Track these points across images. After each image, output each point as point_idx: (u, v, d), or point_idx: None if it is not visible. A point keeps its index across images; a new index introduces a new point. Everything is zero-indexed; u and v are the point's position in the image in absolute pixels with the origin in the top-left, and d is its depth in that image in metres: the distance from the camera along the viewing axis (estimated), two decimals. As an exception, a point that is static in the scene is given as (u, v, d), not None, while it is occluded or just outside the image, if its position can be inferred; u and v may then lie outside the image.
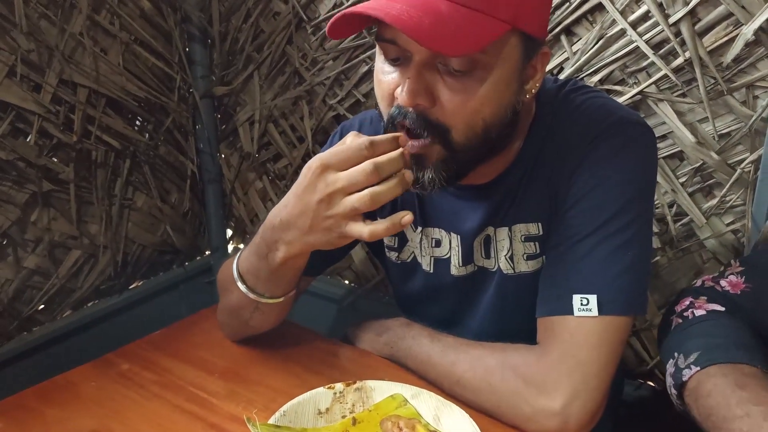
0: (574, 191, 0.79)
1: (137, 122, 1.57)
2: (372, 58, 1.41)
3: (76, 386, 0.87)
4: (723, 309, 0.81)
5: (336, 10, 1.42)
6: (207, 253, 1.87)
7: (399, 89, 0.70)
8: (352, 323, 1.01)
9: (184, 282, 1.78)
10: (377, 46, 0.74)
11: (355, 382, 0.80)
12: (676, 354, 0.78)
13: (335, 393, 0.79)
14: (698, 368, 0.73)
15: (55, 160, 1.37)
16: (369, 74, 1.44)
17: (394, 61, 0.72)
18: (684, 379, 0.74)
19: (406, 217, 0.68)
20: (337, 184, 0.68)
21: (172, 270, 1.77)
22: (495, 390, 0.77)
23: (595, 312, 0.74)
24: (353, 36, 1.42)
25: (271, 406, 0.76)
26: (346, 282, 1.70)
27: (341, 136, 0.94)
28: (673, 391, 0.77)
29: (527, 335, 0.80)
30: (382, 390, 0.80)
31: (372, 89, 1.44)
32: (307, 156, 1.60)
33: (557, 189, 0.81)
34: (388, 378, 0.83)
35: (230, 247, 1.90)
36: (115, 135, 1.48)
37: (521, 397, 0.75)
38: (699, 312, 0.82)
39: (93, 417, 0.81)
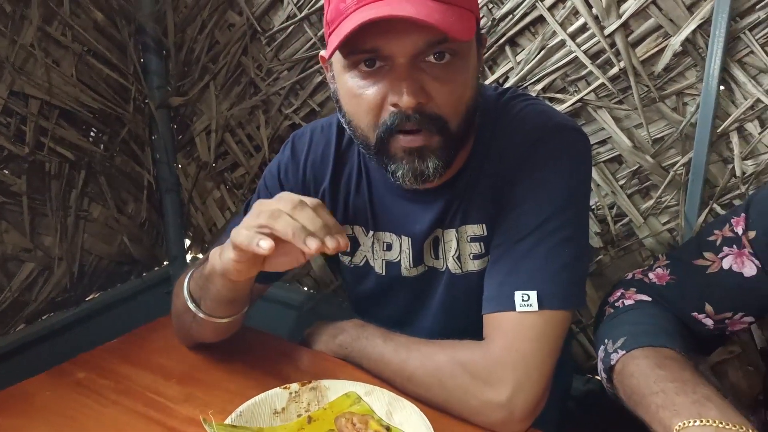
0: (515, 194, 0.83)
1: (92, 133, 1.57)
2: (326, 68, 1.44)
3: (32, 396, 0.87)
4: (650, 299, 0.87)
5: (290, 22, 1.45)
6: (165, 263, 1.87)
7: (392, 96, 0.73)
8: (308, 327, 1.04)
9: (142, 293, 1.77)
10: (340, 64, 0.77)
11: (310, 382, 0.83)
12: (606, 340, 0.83)
13: (291, 393, 0.81)
14: (624, 352, 0.78)
15: (6, 172, 1.36)
16: (323, 84, 1.47)
17: (368, 72, 0.75)
18: (612, 362, 0.79)
19: (263, 243, 0.69)
20: (272, 206, 0.72)
21: (129, 281, 1.76)
22: (444, 385, 0.81)
23: (535, 307, 0.78)
24: (307, 47, 1.45)
25: (228, 408, 0.77)
26: (305, 288, 1.72)
27: (292, 146, 0.98)
28: (603, 374, 0.82)
29: (476, 331, 0.84)
30: (336, 389, 0.82)
31: (327, 98, 1.47)
32: (264, 164, 1.62)
33: (500, 191, 0.85)
34: (342, 377, 0.86)
35: (189, 257, 1.90)
36: (70, 146, 1.48)
37: (469, 392, 0.79)
38: (628, 302, 0.88)
39: (49, 425, 0.81)
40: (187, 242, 1.89)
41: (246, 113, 1.61)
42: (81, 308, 1.60)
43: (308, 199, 0.72)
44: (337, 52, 0.75)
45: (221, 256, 0.77)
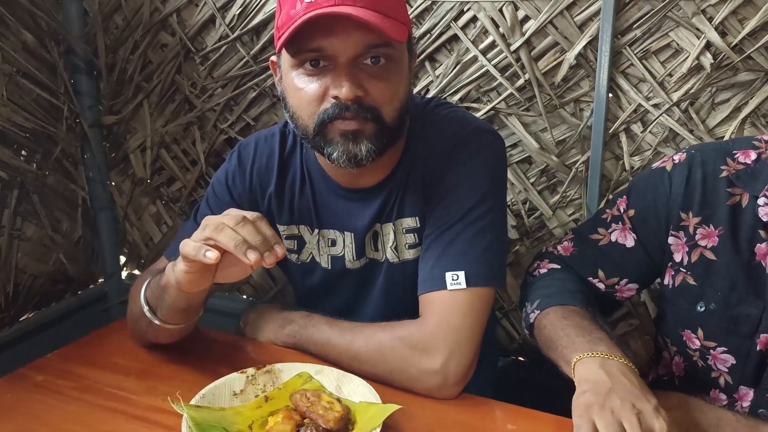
0: (442, 189, 0.95)
1: (24, 152, 1.57)
2: (259, 84, 1.53)
3: (-8, 399, 0.89)
4: (559, 267, 1.02)
5: (223, 42, 1.53)
6: (101, 280, 1.87)
7: (333, 89, 0.83)
8: (246, 315, 1.10)
9: (78, 311, 1.77)
10: (288, 64, 0.86)
11: (265, 366, 0.90)
12: (526, 303, 0.98)
13: (248, 376, 0.88)
14: (539, 311, 0.93)
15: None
16: (257, 99, 1.55)
17: (312, 70, 0.85)
18: (531, 321, 0.95)
19: (209, 254, 0.76)
20: (217, 220, 0.79)
21: (65, 299, 1.75)
22: (386, 359, 0.90)
23: (464, 285, 0.89)
24: (240, 65, 1.54)
25: (189, 396, 0.82)
26: (245, 297, 1.78)
27: (239, 155, 1.06)
28: (526, 330, 0.98)
29: (413, 313, 0.93)
30: (289, 370, 0.90)
31: (261, 112, 1.56)
32: (201, 178, 1.68)
33: (429, 187, 0.96)
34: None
35: (124, 273, 1.91)
36: (1, 165, 1.49)
37: (408, 362, 0.89)
38: (542, 270, 1.02)
39: (13, 422, 0.84)
40: (123, 259, 1.90)
41: (181, 129, 1.66)
42: (15, 328, 1.59)
43: (250, 214, 0.80)
44: (287, 54, 0.85)
45: (174, 269, 0.83)
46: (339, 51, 0.83)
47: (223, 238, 0.76)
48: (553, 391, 0.83)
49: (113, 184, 1.81)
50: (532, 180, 1.36)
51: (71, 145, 1.69)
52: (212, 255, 0.76)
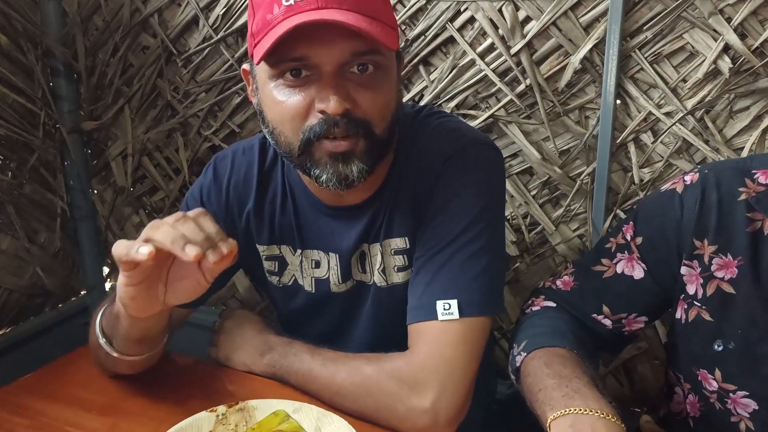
0: (433, 207, 0.87)
1: (-2, 160, 1.50)
2: (244, 89, 1.45)
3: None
4: (554, 305, 0.93)
5: (206, 44, 1.45)
6: (82, 293, 1.80)
7: (319, 103, 0.75)
8: (222, 322, 1.02)
9: (58, 325, 1.70)
10: (265, 74, 0.77)
11: (237, 403, 0.82)
12: (514, 345, 0.89)
13: (218, 415, 0.81)
14: (525, 354, 0.84)
15: None
16: (242, 105, 1.47)
17: (294, 81, 0.76)
18: (517, 364, 0.85)
19: (142, 248, 0.68)
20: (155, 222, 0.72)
21: (44, 313, 1.68)
22: (372, 394, 0.82)
23: (456, 315, 0.81)
24: (224, 68, 1.45)
25: None
26: (232, 311, 1.70)
27: (214, 169, 0.98)
28: (512, 376, 0.88)
29: (403, 340, 0.86)
30: (264, 408, 0.82)
31: (247, 119, 1.47)
32: (184, 187, 1.60)
33: (419, 205, 0.88)
34: (269, 396, 0.85)
35: (107, 285, 1.83)
36: (-27, 175, 1.42)
37: (396, 398, 0.81)
38: (535, 308, 0.94)
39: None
40: (106, 270, 1.83)
41: (163, 136, 1.58)
42: (-10, 345, 1.52)
43: (192, 211, 0.72)
44: (263, 63, 0.76)
45: (118, 288, 0.75)
46: (324, 60, 0.74)
47: (159, 235, 0.68)
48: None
49: (95, 192, 1.74)
50: (533, 193, 1.27)
51: (49, 153, 1.61)
52: (145, 250, 0.67)
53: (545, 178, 1.25)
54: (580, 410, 0.68)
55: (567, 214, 1.26)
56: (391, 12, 0.81)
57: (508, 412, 1.31)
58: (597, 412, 0.68)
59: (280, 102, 0.78)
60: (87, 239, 1.75)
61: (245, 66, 0.86)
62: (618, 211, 1.21)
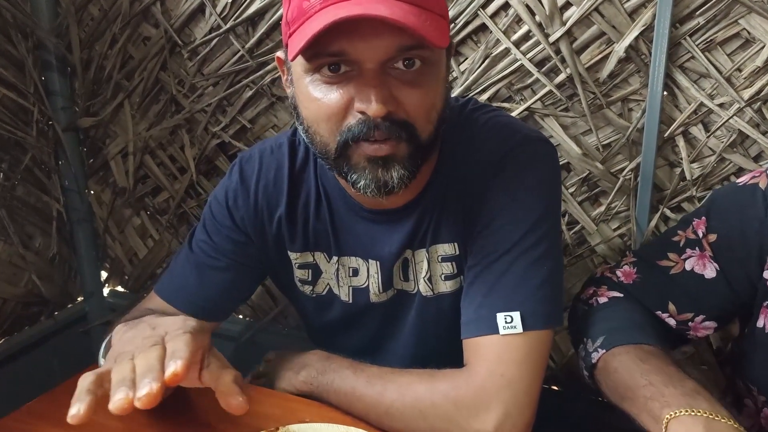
0: (487, 210, 0.79)
1: (-11, 161, 1.40)
2: (255, 82, 1.36)
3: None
4: (622, 295, 0.87)
5: (213, 34, 1.35)
6: (80, 299, 1.69)
7: (359, 103, 0.67)
8: (266, 359, 0.95)
9: (56, 334, 1.60)
10: (301, 68, 0.70)
11: (277, 429, 0.75)
12: (585, 339, 0.82)
13: (258, 445, 0.73)
14: (604, 350, 0.78)
15: None
16: (254, 99, 1.38)
17: (332, 77, 0.68)
18: (593, 361, 0.79)
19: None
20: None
21: (40, 322, 1.58)
22: (426, 417, 0.75)
23: (519, 329, 0.74)
24: (234, 60, 1.36)
25: None
26: (241, 317, 1.61)
27: (240, 170, 0.89)
28: (585, 372, 0.82)
29: (448, 355, 0.79)
30: (308, 434, 0.75)
31: (258, 113, 1.39)
32: (191, 187, 1.50)
33: (470, 208, 0.81)
34: (310, 419, 0.78)
35: (106, 291, 1.73)
36: (-37, 177, 1.31)
37: (453, 422, 0.73)
38: (602, 299, 0.87)
39: None
40: (104, 275, 1.73)
41: (167, 133, 1.49)
42: (-16, 358, 1.42)
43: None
44: (300, 57, 0.68)
45: None
46: (365, 56, 0.66)
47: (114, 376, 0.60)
48: (597, 422, 0.72)
49: (92, 193, 1.63)
50: (572, 190, 1.20)
51: (43, 152, 1.51)
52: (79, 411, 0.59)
53: (585, 174, 1.18)
54: (710, 413, 0.62)
55: (608, 213, 1.19)
56: None
57: (542, 421, 1.25)
58: (728, 420, 0.62)
59: (315, 99, 0.70)
60: (84, 243, 1.65)
61: (279, 54, 0.78)
62: (665, 209, 1.14)
